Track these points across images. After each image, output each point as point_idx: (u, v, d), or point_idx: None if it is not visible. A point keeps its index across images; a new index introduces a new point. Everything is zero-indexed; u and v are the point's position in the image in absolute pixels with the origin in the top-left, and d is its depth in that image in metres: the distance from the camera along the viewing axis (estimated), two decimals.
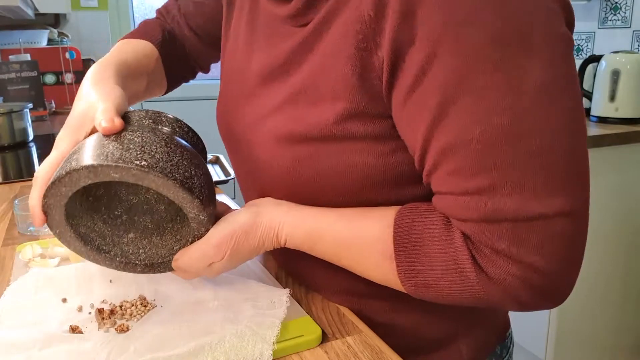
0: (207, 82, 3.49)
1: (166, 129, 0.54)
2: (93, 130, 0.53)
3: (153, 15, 0.83)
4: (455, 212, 0.47)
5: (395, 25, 0.43)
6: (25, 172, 1.31)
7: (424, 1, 0.42)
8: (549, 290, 0.46)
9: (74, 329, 0.52)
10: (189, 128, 0.57)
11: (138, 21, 3.35)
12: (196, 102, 3.07)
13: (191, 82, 0.89)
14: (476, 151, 0.43)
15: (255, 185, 0.61)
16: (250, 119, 0.59)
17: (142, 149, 0.47)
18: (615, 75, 1.78)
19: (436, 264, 0.48)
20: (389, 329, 0.59)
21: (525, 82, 0.42)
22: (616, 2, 2.06)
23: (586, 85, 1.91)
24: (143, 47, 0.74)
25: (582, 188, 0.47)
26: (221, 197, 0.98)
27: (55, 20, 2.89)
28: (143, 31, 0.77)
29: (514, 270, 0.45)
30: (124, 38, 0.77)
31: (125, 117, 0.53)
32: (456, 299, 0.48)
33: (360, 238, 0.52)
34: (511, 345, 0.70)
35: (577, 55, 2.25)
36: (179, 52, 0.79)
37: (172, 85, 0.81)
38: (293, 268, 0.67)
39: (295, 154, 0.53)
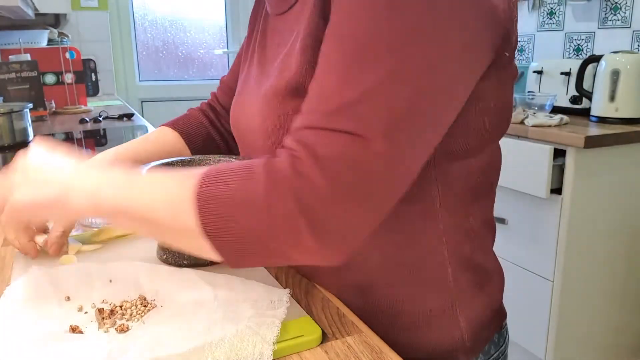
0: (207, 82, 3.49)
1: None
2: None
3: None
4: (300, 123, 0.49)
5: None
6: None
7: None
8: (320, 217, 0.44)
9: (74, 329, 0.52)
10: None
11: (138, 21, 3.36)
12: (197, 102, 3.07)
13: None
14: (321, 79, 0.47)
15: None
16: (248, 114, 0.64)
17: None
18: (615, 75, 1.78)
19: (229, 175, 0.47)
20: (375, 305, 0.61)
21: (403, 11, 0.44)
22: (616, 2, 2.06)
23: (586, 85, 1.91)
24: (162, 132, 0.86)
25: (381, 122, 0.45)
26: None
27: (56, 20, 2.89)
28: (174, 122, 0.87)
29: (292, 176, 0.44)
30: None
31: None
32: (238, 210, 0.46)
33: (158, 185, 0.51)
34: (507, 336, 0.72)
35: (577, 56, 2.25)
36: (210, 138, 0.88)
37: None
38: None
39: (280, 110, 0.57)
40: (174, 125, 0.85)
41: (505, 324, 0.71)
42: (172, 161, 0.73)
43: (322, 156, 0.44)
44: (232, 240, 0.47)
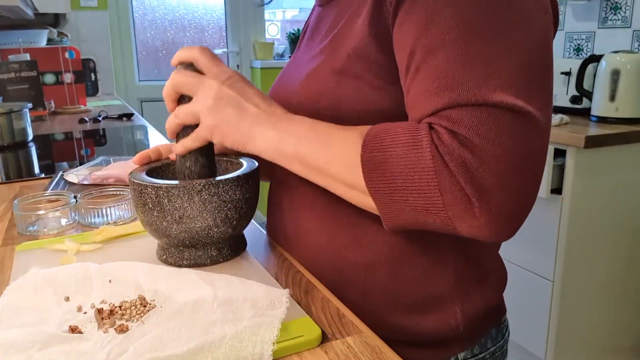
0: None
1: None
2: None
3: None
4: (428, 106, 0.50)
5: None
6: (25, 172, 1.31)
7: None
8: (492, 194, 0.47)
9: (74, 329, 0.52)
10: None
11: (137, 21, 3.36)
12: None
13: None
14: (460, 49, 0.49)
15: None
16: (289, 89, 0.70)
17: None
18: (615, 75, 1.78)
19: (397, 142, 0.51)
20: (372, 289, 0.63)
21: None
22: (616, 2, 2.06)
23: (586, 85, 1.91)
24: None
25: (538, 96, 0.50)
26: None
27: (55, 20, 2.89)
28: None
29: (467, 156, 0.47)
30: None
31: None
32: (408, 187, 0.50)
33: (328, 138, 0.57)
34: (507, 333, 0.72)
35: (577, 55, 2.25)
36: None
37: None
38: (279, 228, 0.73)
39: (321, 86, 0.63)
40: None
41: (505, 319, 0.72)
42: (171, 162, 0.73)
43: (487, 132, 0.47)
44: (396, 206, 0.51)
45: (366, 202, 0.55)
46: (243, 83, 0.63)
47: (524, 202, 0.48)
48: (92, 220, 0.83)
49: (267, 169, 0.75)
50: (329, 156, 0.56)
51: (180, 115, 0.63)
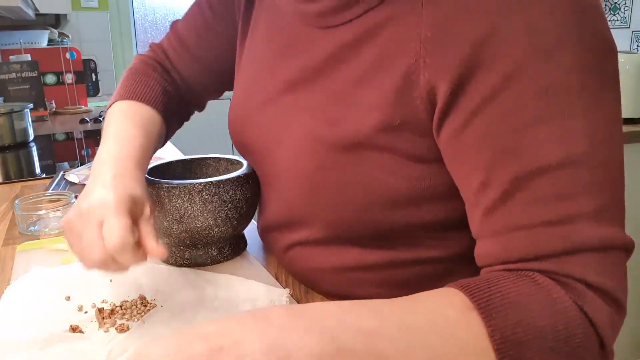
0: None
1: None
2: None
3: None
4: (535, 247, 0.41)
5: (466, 49, 0.42)
6: (26, 172, 1.31)
7: (509, 22, 0.40)
8: (616, 333, 0.41)
9: (75, 329, 0.52)
10: None
11: (138, 22, 3.36)
12: None
13: None
14: (558, 178, 0.40)
15: (270, 190, 0.62)
16: (269, 125, 0.59)
17: None
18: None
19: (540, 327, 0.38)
20: None
21: (602, 111, 0.42)
22: (616, 2, 2.06)
23: None
24: (152, 120, 0.67)
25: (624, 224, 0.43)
26: None
27: (56, 21, 2.89)
28: (143, 92, 0.69)
29: (606, 307, 0.40)
30: (124, 88, 0.70)
31: None
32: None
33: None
34: None
35: None
36: (176, 109, 0.74)
37: (168, 138, 0.76)
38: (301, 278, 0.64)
39: (320, 159, 0.52)
40: (151, 102, 0.69)
41: None
42: (172, 162, 0.73)
43: (620, 281, 0.41)
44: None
45: None
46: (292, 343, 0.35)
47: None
48: None
49: None
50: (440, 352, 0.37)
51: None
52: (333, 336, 0.35)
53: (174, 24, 0.76)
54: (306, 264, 0.61)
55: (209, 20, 0.72)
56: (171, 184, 0.61)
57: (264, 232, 0.67)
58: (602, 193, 0.41)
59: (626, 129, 1.71)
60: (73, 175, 1.10)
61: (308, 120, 0.54)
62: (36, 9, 2.27)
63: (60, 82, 2.36)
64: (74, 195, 0.86)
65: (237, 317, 0.36)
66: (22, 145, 1.58)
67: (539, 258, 0.41)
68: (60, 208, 0.83)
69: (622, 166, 0.43)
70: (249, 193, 0.65)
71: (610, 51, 0.42)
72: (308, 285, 0.64)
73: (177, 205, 0.61)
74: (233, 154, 0.74)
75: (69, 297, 0.58)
